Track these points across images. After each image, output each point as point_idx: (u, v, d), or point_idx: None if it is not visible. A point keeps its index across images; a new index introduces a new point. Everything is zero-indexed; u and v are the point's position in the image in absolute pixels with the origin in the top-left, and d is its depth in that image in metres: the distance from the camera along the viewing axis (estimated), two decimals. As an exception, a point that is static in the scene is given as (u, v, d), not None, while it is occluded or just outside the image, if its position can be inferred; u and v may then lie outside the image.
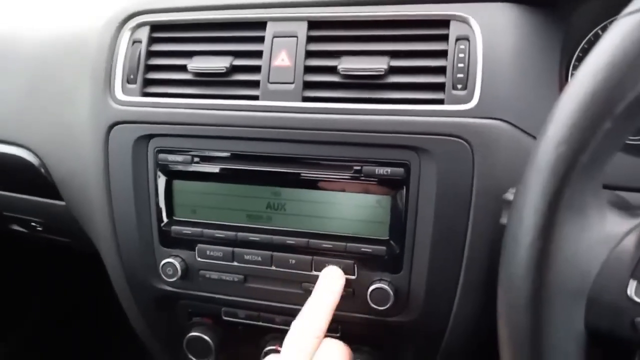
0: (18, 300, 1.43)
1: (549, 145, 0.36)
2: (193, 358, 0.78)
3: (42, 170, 0.84)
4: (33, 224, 0.96)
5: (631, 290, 0.35)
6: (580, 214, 0.35)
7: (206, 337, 0.76)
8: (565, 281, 0.35)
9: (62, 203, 0.86)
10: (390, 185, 0.63)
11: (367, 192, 0.65)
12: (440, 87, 0.61)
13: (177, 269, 0.72)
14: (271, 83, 0.67)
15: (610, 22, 0.64)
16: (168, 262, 0.72)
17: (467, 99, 0.60)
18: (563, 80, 0.66)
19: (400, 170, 0.62)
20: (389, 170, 0.63)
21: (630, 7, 0.35)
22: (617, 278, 0.35)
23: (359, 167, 0.64)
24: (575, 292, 0.36)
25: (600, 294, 0.36)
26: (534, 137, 0.59)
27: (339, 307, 0.68)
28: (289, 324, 0.73)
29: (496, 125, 0.59)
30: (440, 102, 0.61)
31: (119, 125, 0.73)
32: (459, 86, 0.61)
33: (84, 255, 0.93)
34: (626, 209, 0.40)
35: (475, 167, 0.59)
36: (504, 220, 0.48)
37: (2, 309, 1.39)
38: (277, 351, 0.73)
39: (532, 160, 0.37)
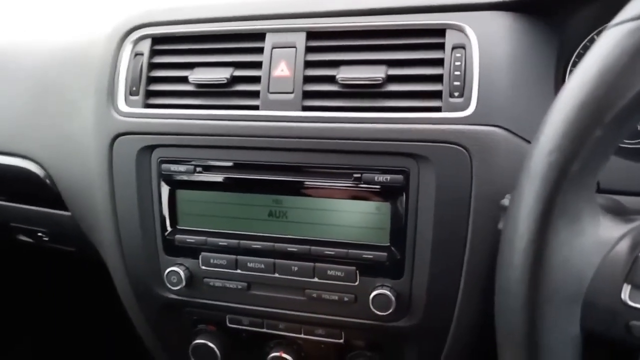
0: (23, 308, 1.44)
1: (541, 153, 0.36)
2: (198, 365, 0.79)
3: (48, 181, 0.85)
4: (39, 234, 0.98)
5: (625, 294, 0.36)
6: (574, 220, 0.36)
7: (211, 344, 0.77)
8: (560, 286, 0.36)
9: (68, 213, 0.87)
10: (390, 192, 0.64)
11: (367, 199, 0.66)
12: (437, 95, 0.62)
13: (181, 277, 0.73)
14: (271, 93, 0.68)
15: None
16: (172, 271, 0.73)
17: (464, 107, 0.61)
18: (560, 86, 0.67)
19: (400, 177, 0.63)
20: (389, 178, 0.64)
21: (618, 18, 0.35)
22: (612, 282, 0.36)
23: (358, 175, 0.65)
24: (571, 296, 0.36)
25: (595, 298, 0.36)
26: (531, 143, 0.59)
27: (342, 313, 0.69)
28: (292, 331, 0.74)
29: (493, 132, 0.60)
30: (437, 109, 0.62)
31: (122, 137, 0.74)
32: (456, 94, 0.61)
33: (91, 264, 0.94)
34: (620, 213, 0.40)
35: (474, 173, 0.60)
36: (501, 225, 0.49)
37: (8, 318, 1.40)
38: (282, 357, 0.74)
39: (526, 168, 0.38)
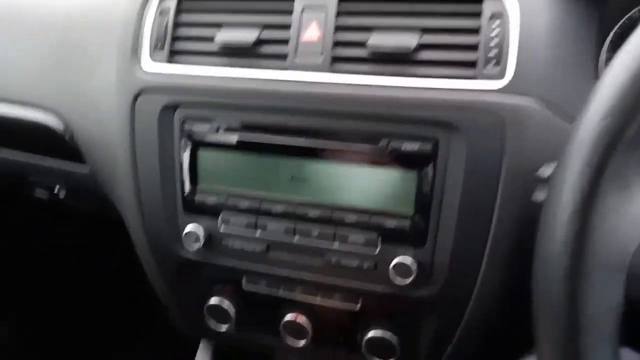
0: (37, 267, 1.46)
1: (593, 118, 0.35)
2: (213, 324, 0.80)
3: (67, 136, 0.85)
4: (56, 190, 0.98)
5: (671, 264, 0.35)
6: (623, 188, 0.35)
7: (226, 305, 0.77)
8: (604, 255, 0.35)
9: (86, 169, 0.87)
10: (417, 160, 0.63)
11: (393, 167, 0.65)
12: (472, 63, 0.61)
13: (199, 237, 0.73)
14: (299, 56, 0.67)
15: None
16: (191, 231, 0.73)
17: (500, 76, 0.59)
18: (597, 61, 0.66)
19: (429, 146, 0.62)
20: (417, 146, 0.63)
21: None
22: None
23: (385, 142, 0.64)
24: (615, 265, 0.36)
25: None
26: (567, 116, 0.58)
27: (361, 280, 0.69)
28: (309, 294, 0.75)
29: (529, 103, 0.58)
30: (472, 78, 0.61)
31: (145, 94, 0.73)
32: (492, 63, 0.60)
33: (107, 222, 0.95)
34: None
35: (506, 145, 0.59)
36: (537, 196, 0.48)
37: (20, 276, 1.42)
38: (296, 322, 0.75)
39: (575, 133, 0.37)
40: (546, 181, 0.46)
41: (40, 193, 1.01)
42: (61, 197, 0.97)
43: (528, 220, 0.60)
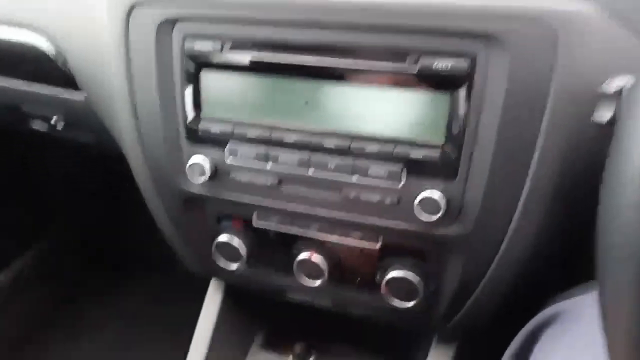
0: (43, 205, 1.43)
1: None
2: (223, 262, 0.75)
3: (60, 60, 0.77)
4: (53, 121, 0.91)
5: None
6: None
7: (236, 243, 0.73)
8: None
9: (82, 97, 0.80)
10: (450, 81, 0.55)
11: (422, 89, 0.56)
12: None
13: (205, 169, 0.67)
14: None
15: None
16: (196, 163, 0.67)
17: None
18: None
19: (465, 63, 0.53)
20: (451, 64, 0.54)
21: None
22: None
23: (414, 59, 0.55)
24: None
25: None
26: (632, 25, 0.49)
27: (382, 216, 0.63)
28: (324, 232, 0.69)
29: (589, 11, 0.49)
30: None
31: (139, 8, 0.65)
32: None
33: (110, 156, 0.89)
34: None
35: (558, 61, 0.50)
36: (600, 116, 0.41)
37: (27, 215, 1.39)
38: (311, 261, 0.70)
39: None
40: (613, 97, 0.37)
41: (38, 125, 0.95)
42: (59, 128, 0.91)
43: (576, 150, 0.52)
